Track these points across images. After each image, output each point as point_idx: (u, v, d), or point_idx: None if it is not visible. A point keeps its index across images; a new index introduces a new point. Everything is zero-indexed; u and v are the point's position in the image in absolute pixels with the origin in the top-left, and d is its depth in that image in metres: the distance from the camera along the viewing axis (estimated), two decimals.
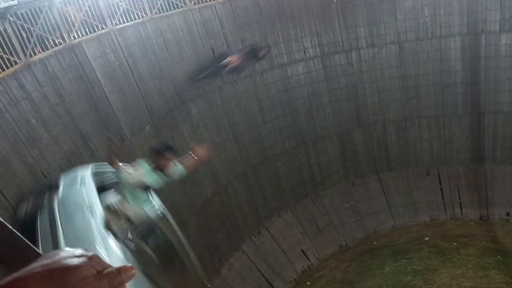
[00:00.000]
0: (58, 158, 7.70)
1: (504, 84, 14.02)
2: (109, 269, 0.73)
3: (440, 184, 15.60)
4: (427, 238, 14.62)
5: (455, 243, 14.18)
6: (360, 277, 13.55)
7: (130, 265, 0.76)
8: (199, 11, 12.21)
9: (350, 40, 14.25)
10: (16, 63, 7.45)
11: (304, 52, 14.16)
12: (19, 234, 0.81)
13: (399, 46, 14.28)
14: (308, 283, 13.93)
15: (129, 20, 10.53)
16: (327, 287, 13.48)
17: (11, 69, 7.27)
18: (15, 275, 0.67)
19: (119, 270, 0.74)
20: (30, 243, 0.80)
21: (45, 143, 7.51)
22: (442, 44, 14.07)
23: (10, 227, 0.82)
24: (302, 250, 14.72)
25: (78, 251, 0.73)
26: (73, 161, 8.08)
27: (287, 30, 13.77)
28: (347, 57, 14.43)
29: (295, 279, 14.18)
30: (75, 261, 0.70)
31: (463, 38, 13.92)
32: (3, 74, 7.08)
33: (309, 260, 14.66)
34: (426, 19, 13.94)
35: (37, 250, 0.78)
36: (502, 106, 14.29)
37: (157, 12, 11.27)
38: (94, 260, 0.72)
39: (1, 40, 7.28)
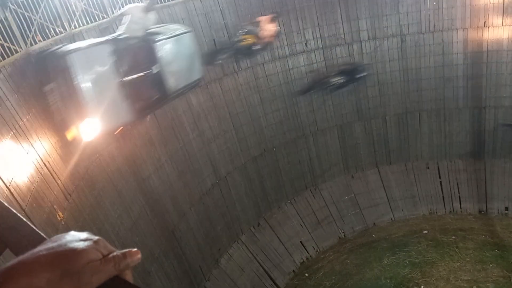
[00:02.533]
0: (58, 148, 7.69)
1: (506, 78, 13.98)
2: (115, 253, 0.73)
3: (440, 178, 15.63)
4: (425, 232, 14.68)
5: (453, 237, 14.23)
6: (358, 269, 13.61)
7: (135, 249, 0.75)
8: (201, 2, 12.14)
9: (352, 32, 14.20)
10: (16, 51, 7.41)
11: (306, 44, 14.11)
12: (24, 219, 0.81)
13: (401, 39, 14.24)
14: (307, 274, 14.00)
15: None
16: (326, 279, 13.54)
17: (12, 58, 7.22)
18: (20, 257, 0.67)
19: (125, 254, 0.73)
20: (34, 227, 0.80)
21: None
22: (444, 38, 14.02)
23: (15, 211, 0.82)
24: (301, 242, 14.78)
25: (84, 235, 0.73)
26: (73, 152, 8.08)
27: (289, 22, 13.71)
28: (349, 50, 14.38)
29: (293, 271, 14.26)
30: (81, 244, 0.70)
31: (465, 32, 13.87)
32: (3, 62, 7.03)
33: (307, 252, 14.73)
34: (429, 12, 13.88)
35: (42, 234, 0.78)
36: (503, 101, 14.27)
37: (159, 2, 11.21)
38: (99, 244, 0.72)
39: (2, 29, 7.24)
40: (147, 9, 8.71)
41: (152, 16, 8.86)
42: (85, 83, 7.25)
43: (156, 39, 8.65)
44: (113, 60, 7.75)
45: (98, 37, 8.55)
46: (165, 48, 8.80)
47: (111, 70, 7.74)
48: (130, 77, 8.08)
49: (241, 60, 12.70)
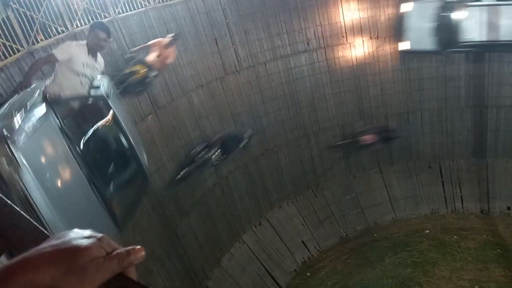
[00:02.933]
0: None
1: (508, 77, 13.95)
2: (118, 250, 0.73)
3: (442, 177, 15.60)
4: (427, 231, 14.65)
5: (455, 236, 14.20)
6: (360, 268, 13.59)
7: (139, 246, 0.76)
8: (202, 1, 12.13)
9: (353, 31, 14.17)
10: (18, 50, 7.43)
11: (308, 43, 14.10)
12: (27, 216, 0.81)
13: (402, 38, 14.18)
14: (308, 274, 13.98)
15: (132, 8, 10.48)
16: (327, 278, 13.52)
17: (14, 57, 7.25)
18: (25, 254, 0.67)
19: (129, 252, 0.74)
20: (38, 225, 0.80)
21: None
22: None
23: (18, 209, 0.82)
24: (302, 241, 14.76)
25: (87, 232, 0.74)
26: None
27: (291, 21, 13.70)
28: (351, 49, 14.35)
29: (295, 270, 14.24)
30: (85, 242, 0.70)
31: None
32: (5, 61, 7.07)
33: (309, 251, 14.71)
34: None
35: (45, 231, 0.78)
36: (505, 100, 14.24)
37: (160, 1, 11.21)
38: (103, 241, 0.73)
39: (4, 28, 7.26)
40: (95, 48, 5.85)
41: (100, 59, 6.10)
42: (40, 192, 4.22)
43: (105, 93, 5.90)
44: (66, 142, 4.83)
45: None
46: (117, 106, 6.07)
47: (70, 160, 4.81)
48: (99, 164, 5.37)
49: (137, 95, 9.99)
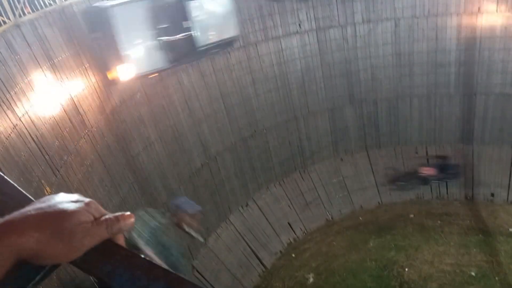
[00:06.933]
0: (47, 123, 7.58)
1: (498, 65, 14.02)
2: (107, 216, 0.71)
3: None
4: (411, 216, 14.85)
5: (439, 221, 14.43)
6: (344, 251, 13.78)
7: (128, 213, 0.74)
8: None
9: (346, 14, 14.08)
10: (4, 23, 7.25)
11: (299, 25, 13.98)
12: (10, 180, 0.79)
13: (395, 22, 14.16)
14: (293, 255, 14.14)
15: None
16: (312, 260, 13.69)
17: (0, 29, 7.07)
18: (8, 217, 0.65)
19: (118, 218, 0.72)
20: (22, 190, 0.78)
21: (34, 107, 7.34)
22: (438, 23, 13.97)
23: (2, 173, 0.80)
24: (288, 223, 14.88)
25: (75, 196, 0.71)
26: (62, 127, 7.98)
27: (283, 1, 13.54)
28: (342, 32, 14.28)
29: (280, 251, 14.38)
30: (72, 206, 0.68)
31: (459, 18, 13.82)
32: None
33: (295, 233, 14.84)
34: None
35: (29, 196, 0.76)
36: (494, 88, 14.33)
37: None
38: (91, 206, 0.70)
39: None
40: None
41: None
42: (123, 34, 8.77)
43: None
44: (150, 16, 9.13)
45: None
46: (196, 6, 9.84)
47: (147, 25, 9.15)
48: (163, 32, 9.32)
49: None
